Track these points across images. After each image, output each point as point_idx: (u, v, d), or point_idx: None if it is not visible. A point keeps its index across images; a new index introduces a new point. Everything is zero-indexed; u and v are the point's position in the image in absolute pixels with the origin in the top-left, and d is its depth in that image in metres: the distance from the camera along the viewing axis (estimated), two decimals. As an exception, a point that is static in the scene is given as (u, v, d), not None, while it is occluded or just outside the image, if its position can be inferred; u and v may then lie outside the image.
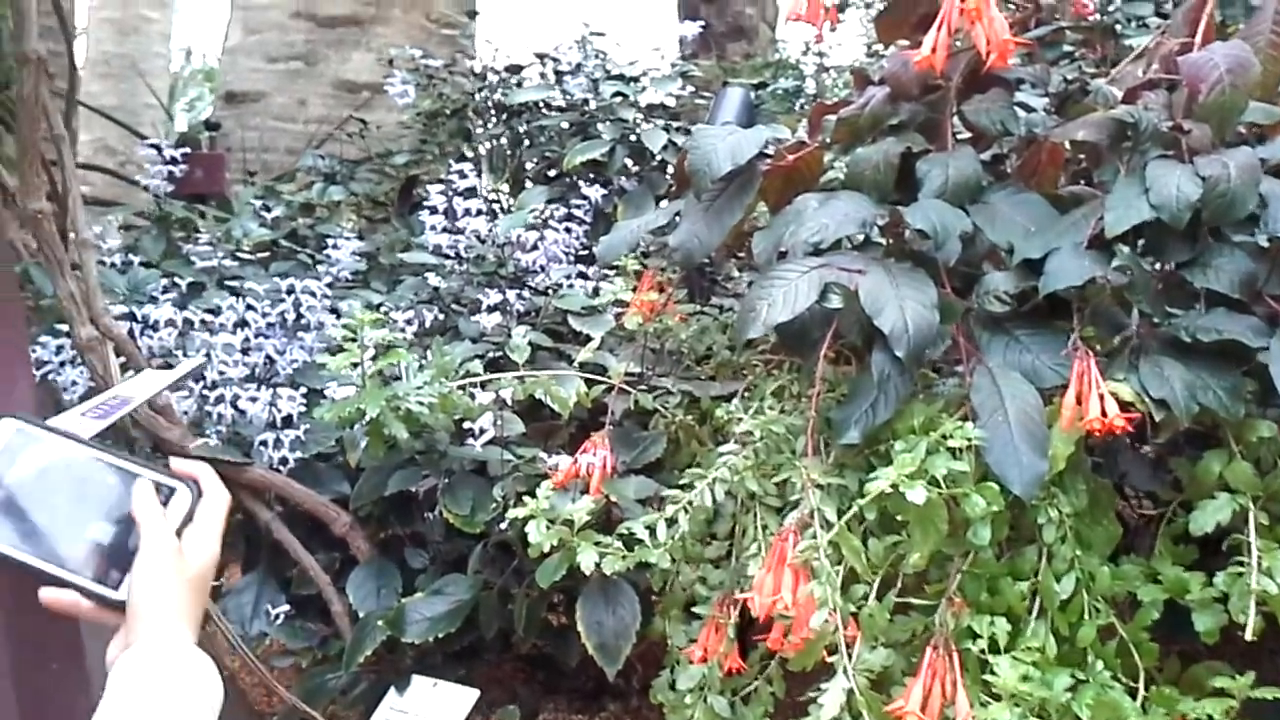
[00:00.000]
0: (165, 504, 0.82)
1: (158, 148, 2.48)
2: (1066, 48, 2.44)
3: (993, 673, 1.18)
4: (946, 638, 1.23)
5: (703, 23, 3.50)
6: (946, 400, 1.30)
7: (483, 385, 1.63)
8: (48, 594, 0.80)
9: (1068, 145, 1.63)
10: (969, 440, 1.19)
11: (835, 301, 1.28)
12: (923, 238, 1.34)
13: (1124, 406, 1.19)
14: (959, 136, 1.56)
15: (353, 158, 3.06)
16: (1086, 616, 1.28)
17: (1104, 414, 1.18)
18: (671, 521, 1.37)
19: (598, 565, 1.38)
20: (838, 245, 1.42)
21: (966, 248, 1.40)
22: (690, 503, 1.37)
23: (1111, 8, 2.50)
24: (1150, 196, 1.25)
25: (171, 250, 2.43)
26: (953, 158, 1.42)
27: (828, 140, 1.59)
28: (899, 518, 1.26)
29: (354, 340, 1.47)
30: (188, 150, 4.60)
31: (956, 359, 1.39)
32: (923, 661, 1.21)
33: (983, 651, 1.22)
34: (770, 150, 1.57)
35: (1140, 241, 1.32)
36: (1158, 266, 1.34)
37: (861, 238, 1.47)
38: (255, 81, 5.33)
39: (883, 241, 1.44)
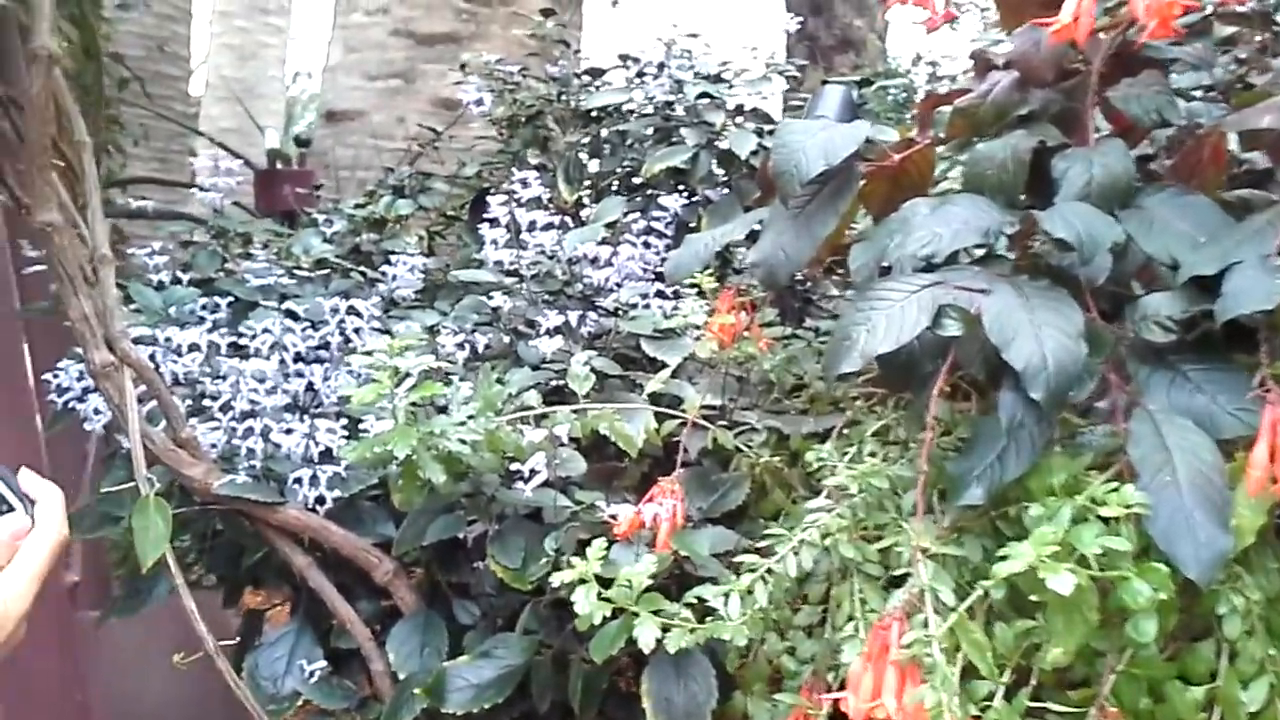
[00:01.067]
0: None
1: (247, 162, 2.35)
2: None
3: (1158, 804, 0.93)
4: (1096, 754, 0.97)
5: (810, 36, 3.28)
6: (1095, 453, 1.04)
7: (536, 420, 1.42)
8: None
9: (1233, 141, 1.36)
10: (1128, 507, 0.93)
11: (952, 329, 1.03)
12: (1062, 250, 1.09)
13: (1331, 465, 0.93)
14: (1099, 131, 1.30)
15: (433, 174, 2.91)
16: (1279, 731, 1.00)
17: (1306, 475, 0.92)
18: (748, 593, 1.13)
19: (659, 641, 1.16)
20: (953, 260, 1.17)
21: (1116, 263, 1.14)
22: (770, 570, 1.13)
23: (1269, -6, 2.19)
24: (1361, 197, 0.98)
25: (231, 268, 2.29)
26: (1097, 153, 1.16)
27: (941, 136, 1.34)
28: (1033, 598, 1.00)
29: (385, 368, 1.28)
30: (272, 165, 4.54)
31: (1101, 401, 1.13)
32: (1065, 783, 0.96)
33: (1143, 772, 0.97)
34: (872, 150, 1.34)
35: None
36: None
37: (982, 252, 1.22)
38: (354, 100, 5.32)
39: (1010, 256, 1.18)
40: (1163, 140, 1.40)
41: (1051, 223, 1.04)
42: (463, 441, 1.34)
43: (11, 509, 0.73)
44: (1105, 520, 0.94)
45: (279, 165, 4.80)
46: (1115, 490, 0.94)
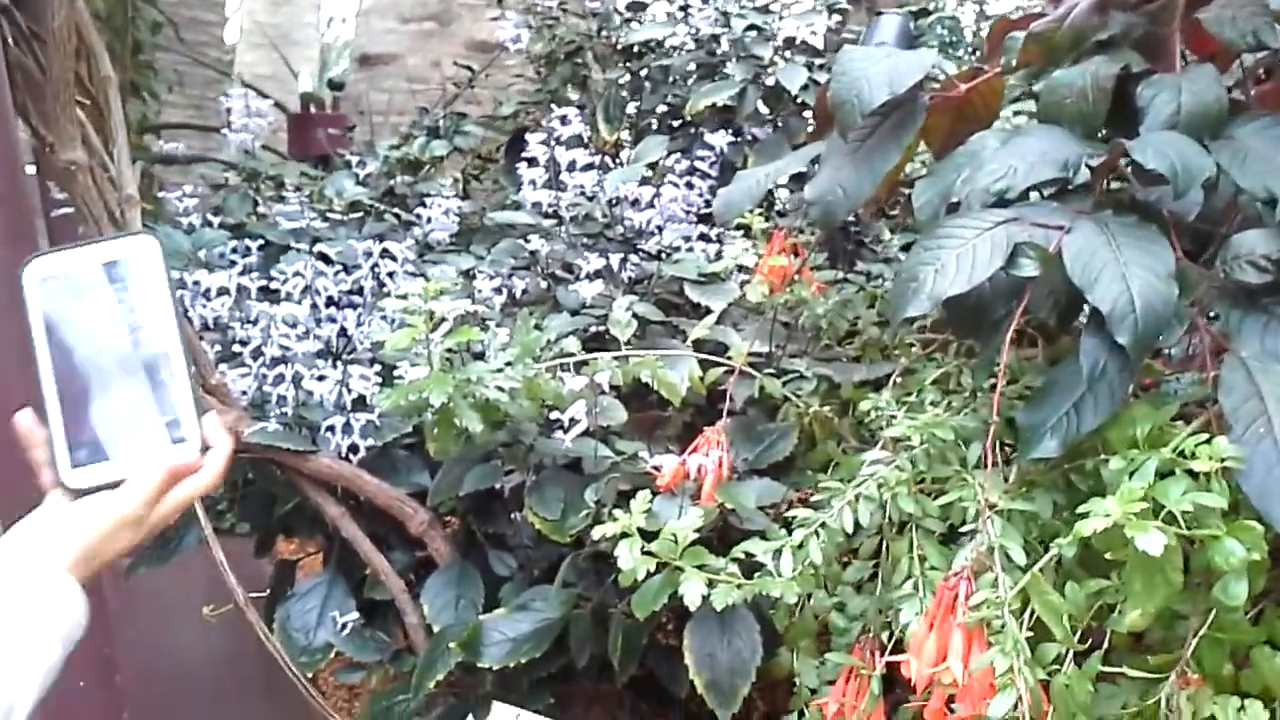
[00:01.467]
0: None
1: (278, 105, 2.29)
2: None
3: (1243, 777, 0.86)
4: (1175, 723, 0.90)
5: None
6: (1182, 403, 0.96)
7: (576, 367, 1.36)
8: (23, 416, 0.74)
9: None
10: (1219, 461, 0.86)
11: (1029, 269, 0.95)
12: (1149, 184, 1.00)
13: None
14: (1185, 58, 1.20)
15: (467, 115, 2.83)
16: (1371, 700, 0.93)
17: None
18: (800, 547, 1.07)
19: (705, 597, 1.10)
20: (1026, 196, 1.08)
21: (1204, 199, 1.05)
22: (824, 524, 1.07)
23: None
24: None
25: (263, 211, 2.24)
26: (1186, 79, 1.07)
27: (1012, 65, 1.25)
28: (1109, 556, 0.93)
29: (419, 312, 1.22)
30: (305, 108, 4.46)
31: (1188, 346, 1.05)
32: (1141, 755, 0.90)
33: (1226, 743, 0.90)
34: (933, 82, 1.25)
35: None
36: None
37: (1057, 188, 1.14)
38: (389, 43, 5.27)
39: (1090, 193, 1.10)
40: (1251, 65, 1.30)
41: (1143, 153, 0.96)
42: (500, 389, 1.28)
43: (184, 440, 0.74)
44: (1194, 475, 0.87)
45: (312, 109, 4.75)
46: (1206, 442, 0.87)
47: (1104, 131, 1.10)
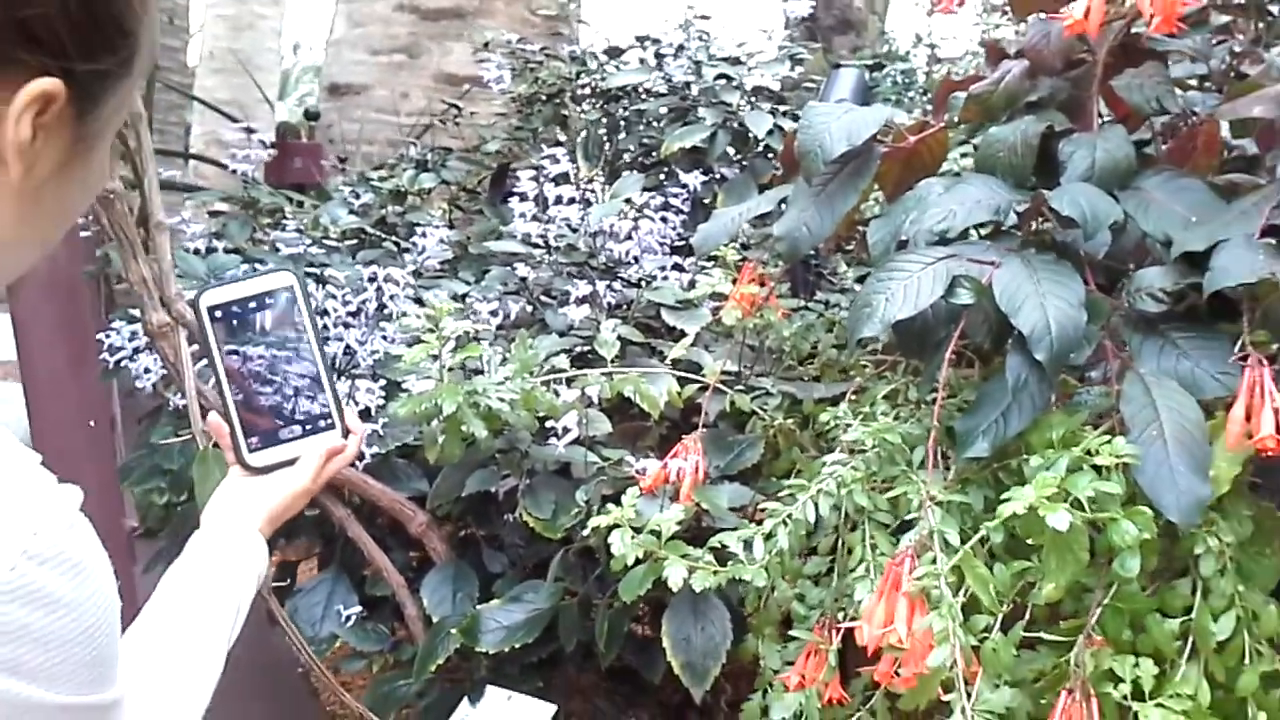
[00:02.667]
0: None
1: (250, 130, 2.43)
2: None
3: (1137, 722, 1.03)
4: (1083, 680, 1.07)
5: (810, 16, 3.35)
6: (1090, 411, 1.14)
7: (568, 382, 1.52)
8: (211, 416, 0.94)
9: (1225, 130, 1.46)
10: (1118, 457, 1.04)
11: (964, 297, 1.14)
12: (1067, 227, 1.19)
13: (1302, 424, 1.03)
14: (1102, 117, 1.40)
15: (452, 149, 2.99)
16: (1247, 661, 1.11)
17: (1279, 431, 1.02)
18: (769, 536, 1.24)
19: (686, 581, 1.26)
20: (965, 236, 1.27)
21: (1114, 240, 1.24)
22: (790, 516, 1.24)
23: (1263, -14, 2.28)
24: (1338, 182, 1.08)
25: (259, 238, 2.38)
26: (1101, 138, 1.26)
27: (955, 121, 1.44)
28: (1029, 541, 1.11)
29: (433, 331, 1.37)
30: (282, 138, 4.60)
31: (1097, 365, 1.23)
32: (1055, 706, 1.07)
33: (1125, 697, 1.07)
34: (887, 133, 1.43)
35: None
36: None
37: (991, 228, 1.32)
38: (358, 74, 5.37)
39: (1017, 233, 1.28)
40: (1159, 127, 1.50)
41: (1059, 201, 1.14)
42: (502, 399, 1.44)
43: (333, 427, 0.93)
44: (1098, 469, 1.04)
45: (288, 138, 4.87)
46: (1107, 442, 1.05)
47: (1032, 181, 1.29)
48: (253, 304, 0.89)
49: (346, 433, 0.93)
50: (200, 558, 0.83)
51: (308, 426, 0.91)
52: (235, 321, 0.89)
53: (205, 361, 1.62)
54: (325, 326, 1.74)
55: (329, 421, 0.92)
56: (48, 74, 0.52)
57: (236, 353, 0.89)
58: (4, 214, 0.55)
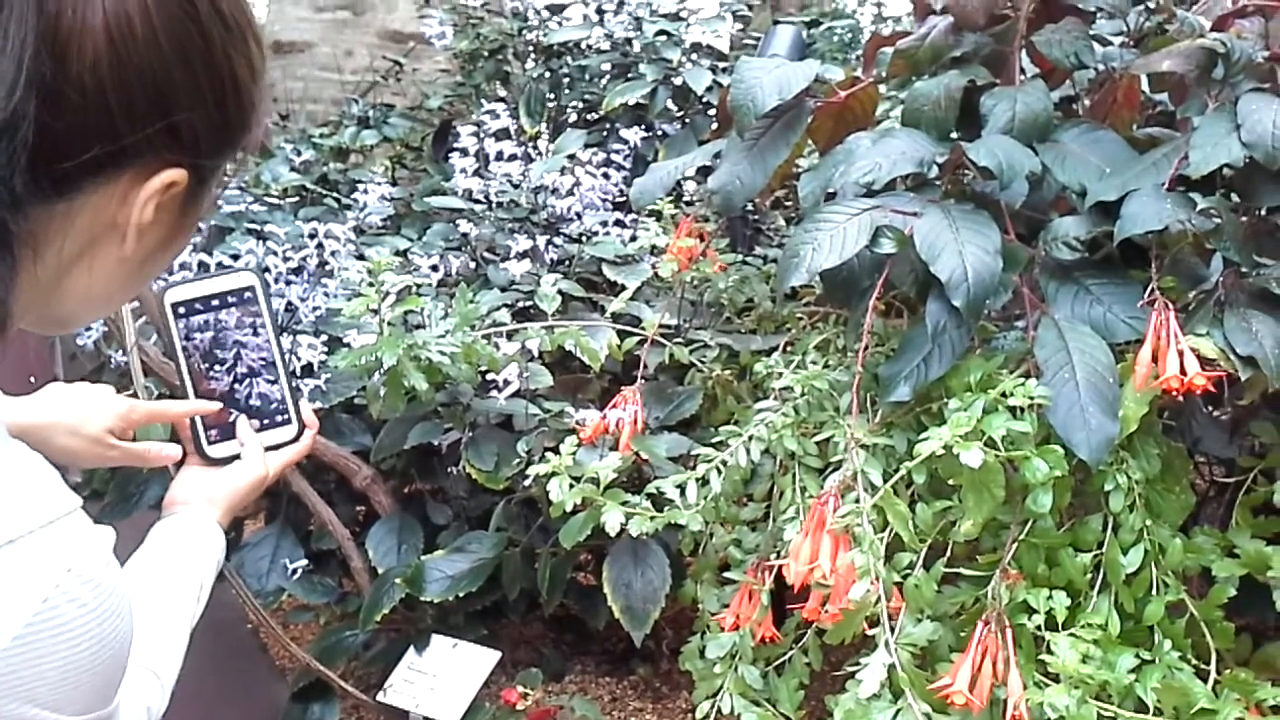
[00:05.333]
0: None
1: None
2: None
3: (1050, 651, 1.08)
4: (1000, 612, 1.12)
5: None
6: (1007, 356, 1.19)
7: (508, 335, 1.54)
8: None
9: (1145, 85, 1.50)
10: (1031, 399, 1.08)
11: (887, 247, 1.17)
12: (986, 178, 1.23)
13: (1204, 364, 1.08)
14: (1025, 72, 1.43)
15: (395, 106, 2.97)
16: (1154, 592, 1.17)
17: (1183, 372, 1.07)
18: (703, 481, 1.28)
19: (624, 526, 1.30)
20: (891, 187, 1.30)
21: (1033, 191, 1.28)
22: (724, 462, 1.28)
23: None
24: (1241, 134, 1.12)
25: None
26: (1021, 92, 1.30)
27: (883, 75, 1.47)
28: (950, 482, 1.16)
29: (373, 285, 1.39)
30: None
31: (1018, 311, 1.28)
32: (973, 637, 1.12)
33: (1039, 628, 1.12)
34: (820, 88, 1.46)
35: (1227, 184, 1.20)
36: (1247, 211, 1.21)
37: (915, 182, 1.36)
38: (302, 31, 5.28)
39: (940, 184, 1.32)
40: (1084, 82, 1.54)
41: (976, 152, 1.18)
42: (442, 353, 1.46)
43: (289, 421, 0.96)
44: (1012, 410, 1.09)
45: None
46: (1021, 385, 1.09)
47: (955, 134, 1.33)
48: (215, 302, 0.93)
49: (302, 427, 0.97)
50: (163, 547, 0.87)
51: (265, 420, 0.95)
52: (198, 319, 0.93)
53: (146, 321, 1.63)
54: (267, 284, 1.75)
55: (285, 416, 0.96)
56: (178, 165, 0.57)
57: (199, 348, 0.92)
58: (110, 280, 0.60)
